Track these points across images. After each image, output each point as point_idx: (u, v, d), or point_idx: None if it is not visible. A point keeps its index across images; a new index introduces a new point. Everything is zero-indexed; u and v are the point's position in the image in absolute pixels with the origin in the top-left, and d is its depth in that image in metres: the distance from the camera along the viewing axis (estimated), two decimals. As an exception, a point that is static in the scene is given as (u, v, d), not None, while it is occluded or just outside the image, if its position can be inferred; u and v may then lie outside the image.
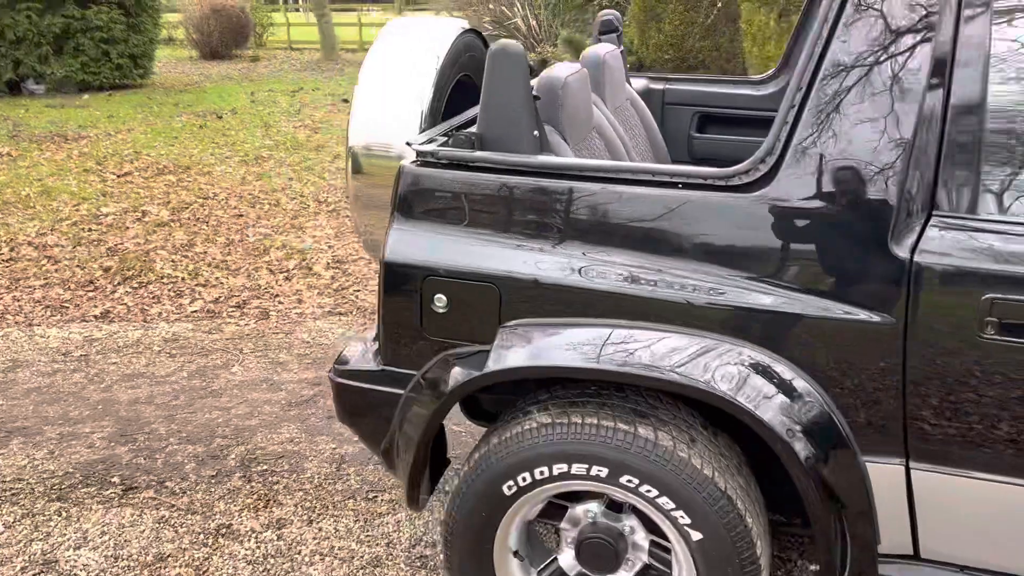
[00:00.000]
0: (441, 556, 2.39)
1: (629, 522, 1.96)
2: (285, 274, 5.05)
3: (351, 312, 4.48)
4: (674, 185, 1.78)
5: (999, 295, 1.57)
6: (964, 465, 1.68)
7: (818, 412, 1.71)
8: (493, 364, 1.84)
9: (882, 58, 1.65)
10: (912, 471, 1.72)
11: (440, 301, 1.91)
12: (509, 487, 1.90)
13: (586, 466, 1.83)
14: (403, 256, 1.94)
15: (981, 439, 1.65)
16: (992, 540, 1.73)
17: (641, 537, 1.96)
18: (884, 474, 1.74)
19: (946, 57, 1.65)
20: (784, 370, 1.72)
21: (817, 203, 1.68)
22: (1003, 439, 1.64)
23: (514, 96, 1.97)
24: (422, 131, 2.16)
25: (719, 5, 9.89)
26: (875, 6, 1.66)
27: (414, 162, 1.98)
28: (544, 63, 13.91)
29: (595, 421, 1.83)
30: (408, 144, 2.03)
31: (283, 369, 3.84)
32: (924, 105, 1.63)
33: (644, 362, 1.74)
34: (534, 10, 14.87)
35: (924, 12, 1.64)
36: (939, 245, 1.63)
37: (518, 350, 1.84)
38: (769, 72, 3.21)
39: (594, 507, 1.97)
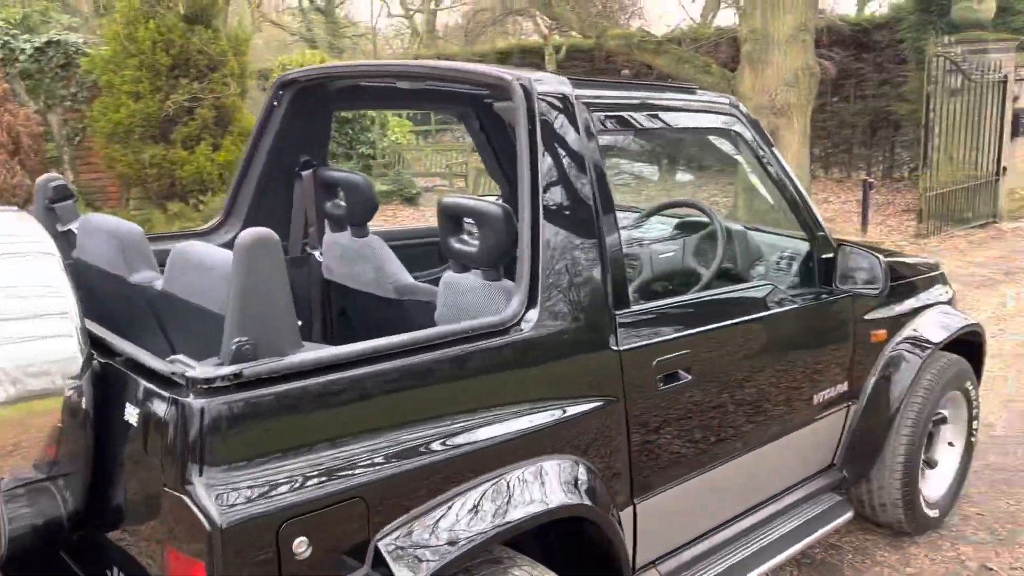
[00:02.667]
0: None
1: None
2: None
3: None
4: (463, 341, 1.97)
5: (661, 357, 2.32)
6: (667, 480, 2.38)
7: (599, 486, 2.16)
8: None
9: (572, 203, 2.21)
10: (636, 504, 2.32)
11: (302, 546, 1.63)
12: None
13: None
14: (243, 513, 1.56)
15: (678, 456, 2.38)
16: (676, 524, 2.48)
17: None
18: (626, 515, 2.29)
19: (592, 191, 2.26)
20: (572, 464, 2.10)
21: (567, 327, 2.14)
22: (692, 449, 2.42)
23: (278, 290, 1.77)
24: (84, 348, 1.76)
25: None
26: (556, 159, 2.20)
27: (197, 393, 1.60)
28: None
29: None
30: (179, 375, 1.64)
31: None
32: (598, 235, 2.24)
33: (522, 504, 1.93)
34: None
35: (587, 173, 2.26)
36: (627, 334, 2.24)
37: (428, 554, 1.76)
38: (214, 222, 3.22)
39: None
